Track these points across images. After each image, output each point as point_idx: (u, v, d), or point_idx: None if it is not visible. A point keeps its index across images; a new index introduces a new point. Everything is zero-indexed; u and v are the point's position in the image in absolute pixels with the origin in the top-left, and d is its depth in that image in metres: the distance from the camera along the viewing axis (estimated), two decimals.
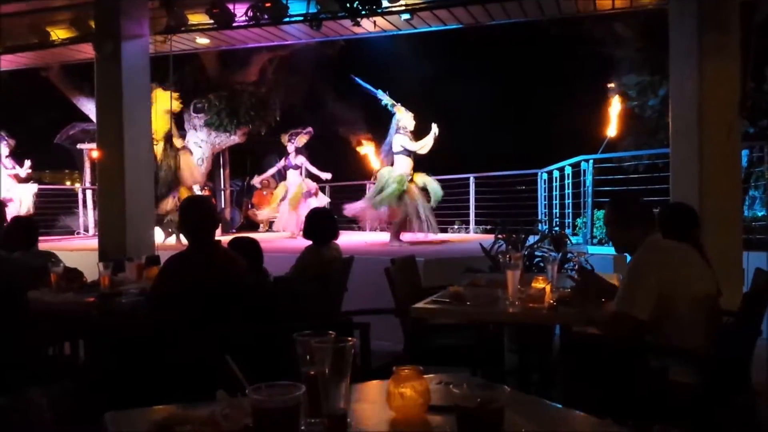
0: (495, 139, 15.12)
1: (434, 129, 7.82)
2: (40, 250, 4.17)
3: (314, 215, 4.23)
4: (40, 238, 4.37)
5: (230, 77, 11.10)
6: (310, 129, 10.63)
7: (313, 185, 10.24)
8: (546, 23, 8.86)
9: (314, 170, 10.35)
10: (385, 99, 8.14)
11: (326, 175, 10.34)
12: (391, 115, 8.07)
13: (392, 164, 7.94)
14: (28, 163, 10.11)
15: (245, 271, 2.96)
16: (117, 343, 3.05)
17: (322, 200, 10.26)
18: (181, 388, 1.93)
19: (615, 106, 10.04)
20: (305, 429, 1.25)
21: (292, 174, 10.25)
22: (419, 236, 8.04)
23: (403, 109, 7.97)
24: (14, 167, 9.99)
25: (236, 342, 2.25)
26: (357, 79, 8.47)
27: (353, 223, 10.31)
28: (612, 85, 10.05)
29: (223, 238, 3.27)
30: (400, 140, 7.81)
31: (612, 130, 10.18)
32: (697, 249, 2.69)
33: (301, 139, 10.38)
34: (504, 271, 2.84)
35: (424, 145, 7.85)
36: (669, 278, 2.42)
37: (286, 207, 10.01)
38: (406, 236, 7.99)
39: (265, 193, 11.96)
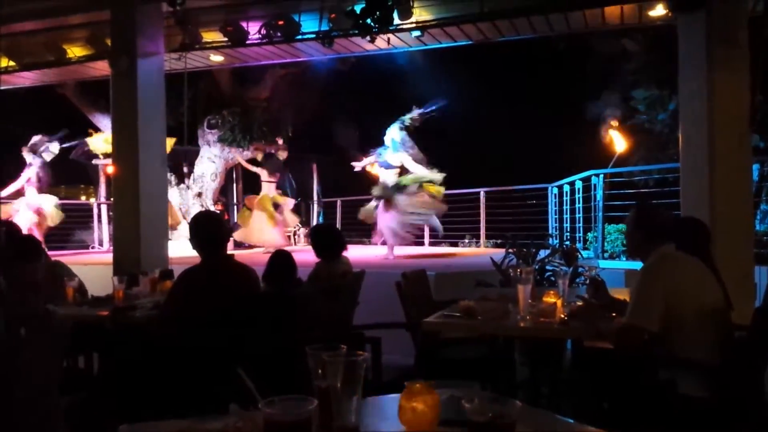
0: (505, 154, 15.12)
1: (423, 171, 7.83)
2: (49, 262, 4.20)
3: (320, 231, 4.25)
4: (56, 252, 4.40)
5: (243, 93, 11.22)
6: (283, 144, 10.48)
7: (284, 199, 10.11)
8: (555, 39, 8.90)
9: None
10: (380, 152, 8.11)
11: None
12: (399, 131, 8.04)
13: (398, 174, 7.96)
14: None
15: (256, 284, 2.99)
16: (131, 356, 3.08)
17: (289, 203, 10.13)
18: (194, 401, 1.95)
19: (614, 121, 10.05)
20: None
21: (265, 187, 10.04)
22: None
23: (389, 137, 7.92)
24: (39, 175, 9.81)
25: (248, 355, 2.26)
26: (356, 165, 8.48)
27: (364, 237, 10.26)
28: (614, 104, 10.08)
29: (237, 252, 3.30)
30: (402, 157, 7.84)
31: (620, 144, 10.17)
32: (709, 263, 2.69)
33: (281, 154, 10.29)
34: (515, 285, 2.84)
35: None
36: (674, 288, 2.42)
37: (263, 222, 9.57)
38: (399, 250, 7.95)
39: None
